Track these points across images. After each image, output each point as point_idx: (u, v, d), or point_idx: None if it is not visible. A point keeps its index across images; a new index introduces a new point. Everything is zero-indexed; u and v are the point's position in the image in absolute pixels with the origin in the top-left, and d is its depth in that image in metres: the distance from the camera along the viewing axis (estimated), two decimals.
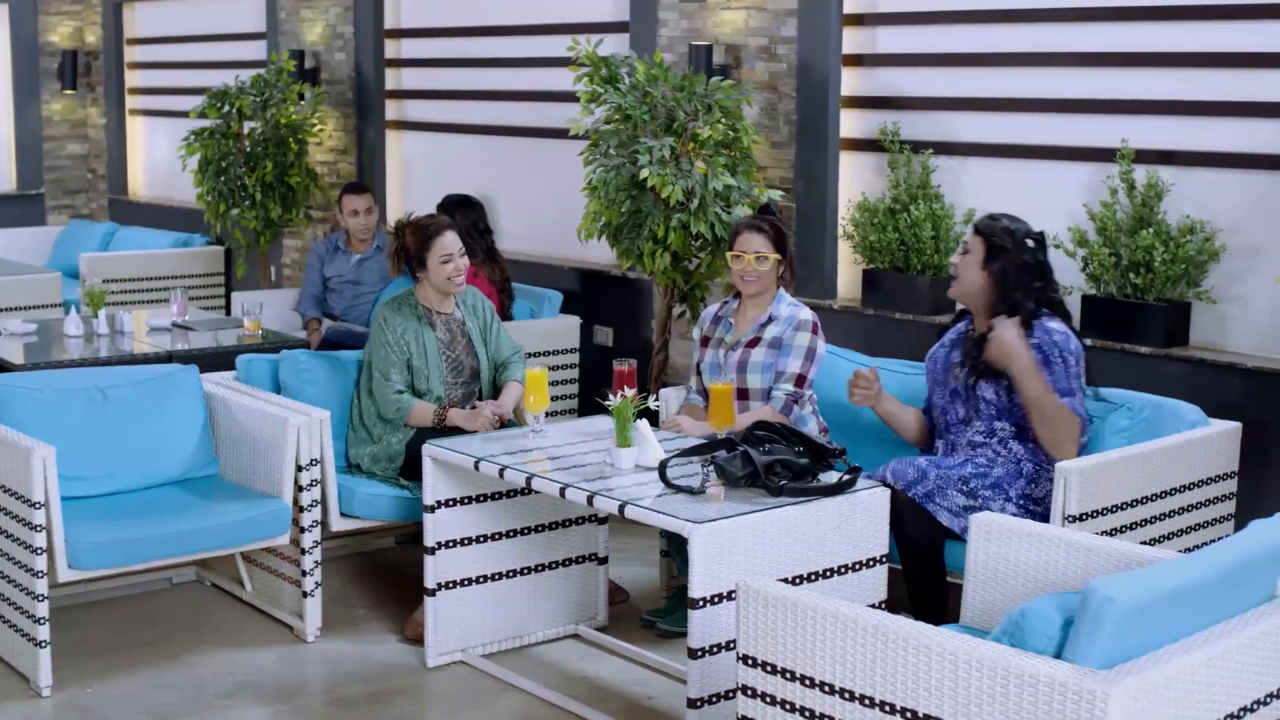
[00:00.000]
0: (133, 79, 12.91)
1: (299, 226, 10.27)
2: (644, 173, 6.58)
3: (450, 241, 5.83)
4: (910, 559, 4.93)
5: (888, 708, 3.38)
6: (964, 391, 5.15)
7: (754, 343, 5.61)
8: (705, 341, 5.79)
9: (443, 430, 5.65)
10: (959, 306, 5.43)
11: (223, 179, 9.83)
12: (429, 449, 5.21)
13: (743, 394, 5.56)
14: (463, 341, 5.90)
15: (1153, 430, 5.27)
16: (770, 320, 5.63)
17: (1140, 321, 5.98)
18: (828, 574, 4.50)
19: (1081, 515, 4.79)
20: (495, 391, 5.97)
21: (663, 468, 4.67)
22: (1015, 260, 5.07)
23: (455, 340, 5.88)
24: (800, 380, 5.52)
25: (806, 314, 5.64)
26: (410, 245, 5.84)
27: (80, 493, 5.46)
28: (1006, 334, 5.00)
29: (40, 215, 13.12)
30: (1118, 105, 6.29)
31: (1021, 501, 4.98)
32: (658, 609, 5.74)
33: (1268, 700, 3.44)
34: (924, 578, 4.95)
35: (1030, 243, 5.10)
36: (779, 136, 7.42)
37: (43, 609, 5.00)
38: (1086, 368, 5.10)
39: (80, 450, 5.50)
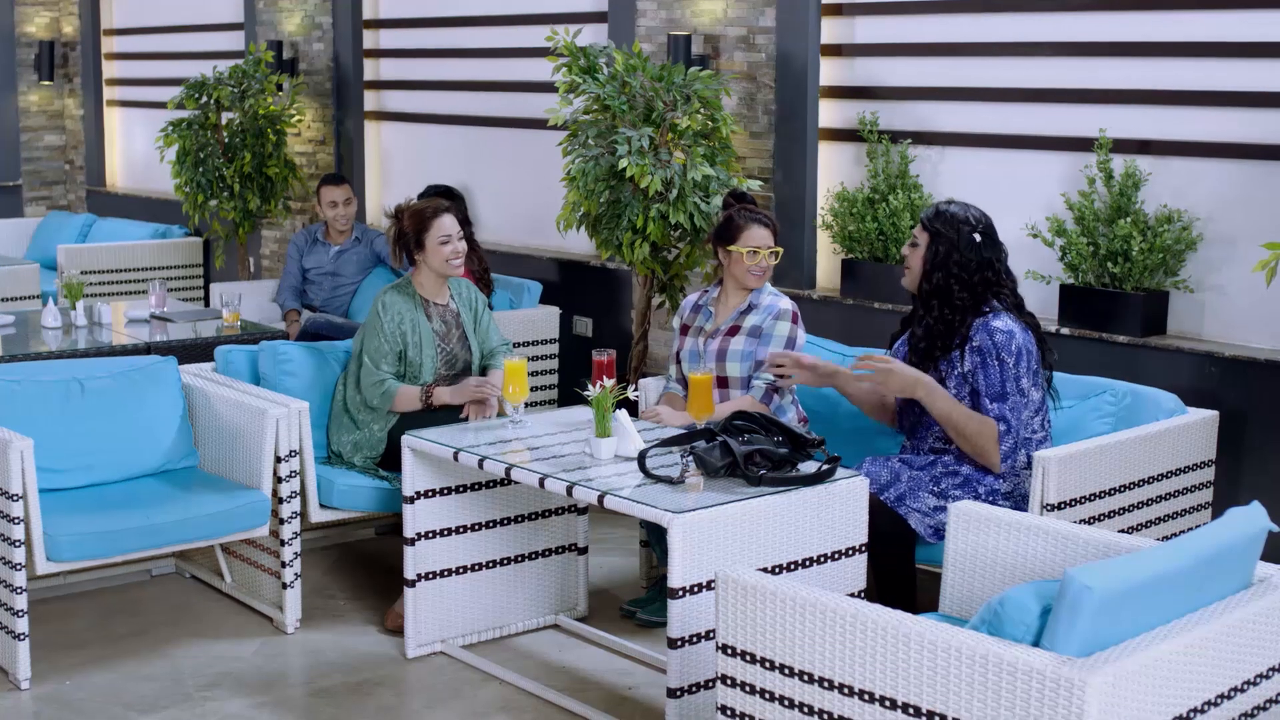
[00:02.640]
0: (110, 70, 12.86)
1: (277, 217, 10.25)
2: (623, 163, 6.58)
3: (449, 223, 5.83)
4: (880, 558, 4.93)
5: (867, 696, 3.39)
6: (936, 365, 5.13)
7: (733, 331, 5.62)
8: (685, 330, 5.79)
9: (428, 414, 5.63)
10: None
11: (201, 170, 9.81)
12: (408, 439, 5.20)
13: (722, 382, 5.57)
14: (457, 333, 5.89)
15: (1131, 419, 5.29)
16: (750, 309, 5.64)
17: (1118, 311, 5.99)
18: (807, 563, 4.51)
19: (1060, 504, 4.81)
20: None
21: (642, 458, 4.67)
22: (956, 254, 5.02)
23: (450, 332, 5.87)
24: None
25: (786, 303, 5.65)
26: (409, 228, 5.83)
27: (58, 485, 5.45)
28: (897, 369, 4.99)
29: (18, 206, 13.07)
30: (1095, 95, 6.30)
31: (991, 498, 4.98)
32: (637, 599, 5.75)
33: (1244, 687, 3.46)
34: (892, 576, 4.95)
35: (977, 237, 5.06)
36: (758, 126, 7.43)
37: (21, 601, 4.98)
38: (1043, 357, 5.06)
39: (58, 442, 5.49)
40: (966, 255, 5.03)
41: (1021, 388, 4.94)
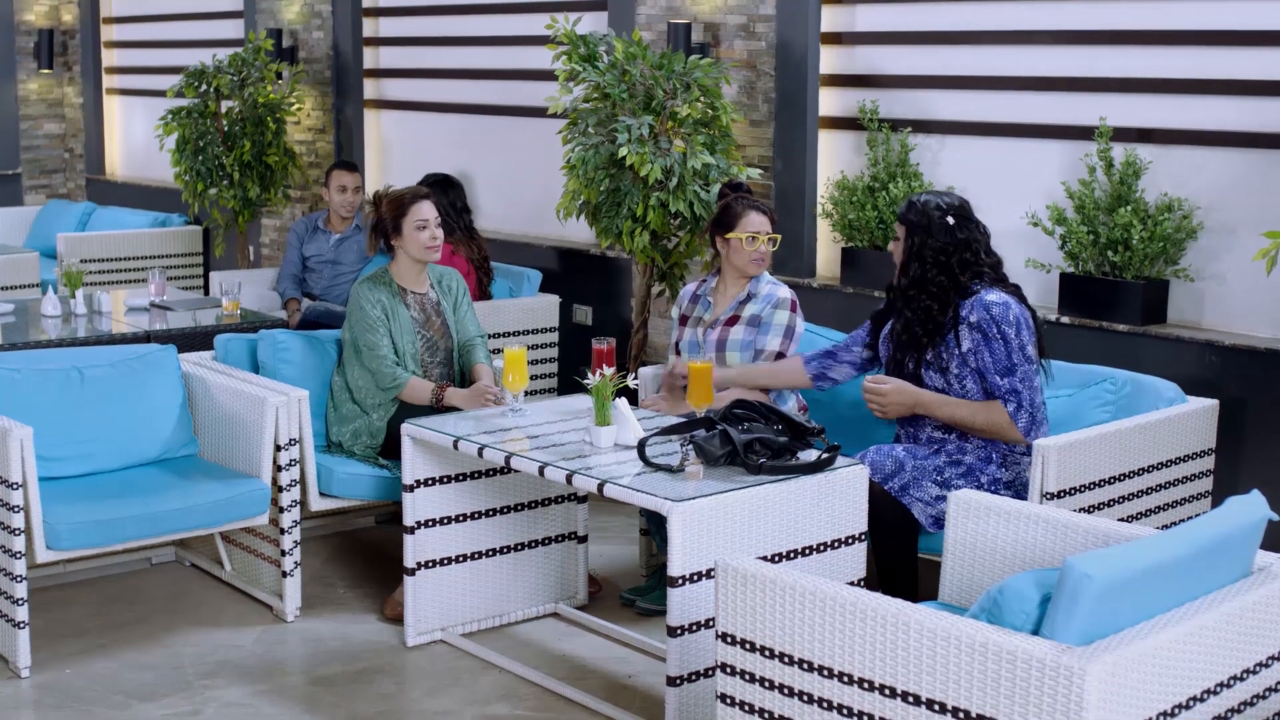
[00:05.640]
0: (109, 58, 12.84)
1: (277, 206, 10.25)
2: (623, 151, 6.57)
3: (426, 208, 5.83)
4: (883, 547, 4.94)
5: (866, 684, 3.39)
6: (913, 382, 5.14)
7: (733, 320, 5.61)
8: (684, 320, 5.79)
9: (430, 409, 5.62)
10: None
11: (200, 158, 9.79)
12: (408, 428, 5.20)
13: None
14: (438, 322, 5.89)
15: (1131, 407, 5.29)
16: (749, 298, 5.63)
17: (1118, 299, 5.99)
18: (806, 552, 4.51)
19: (1059, 492, 4.81)
20: (462, 372, 5.94)
21: (642, 446, 4.67)
22: (931, 239, 5.06)
23: (430, 320, 5.87)
24: (779, 358, 5.53)
25: (785, 292, 5.64)
26: (386, 214, 5.83)
27: (58, 473, 5.45)
28: (892, 399, 5.08)
29: (17, 195, 13.06)
30: (1096, 83, 6.29)
31: (993, 487, 4.98)
32: (637, 587, 5.75)
33: (1244, 676, 3.46)
34: (895, 566, 4.96)
35: (950, 220, 5.07)
36: (758, 115, 7.42)
37: (21, 590, 4.99)
38: (1039, 334, 5.08)
39: (58, 431, 5.49)
40: (942, 240, 5.06)
41: (1029, 355, 4.97)
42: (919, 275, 5.08)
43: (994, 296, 4.99)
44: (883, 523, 4.87)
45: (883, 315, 5.36)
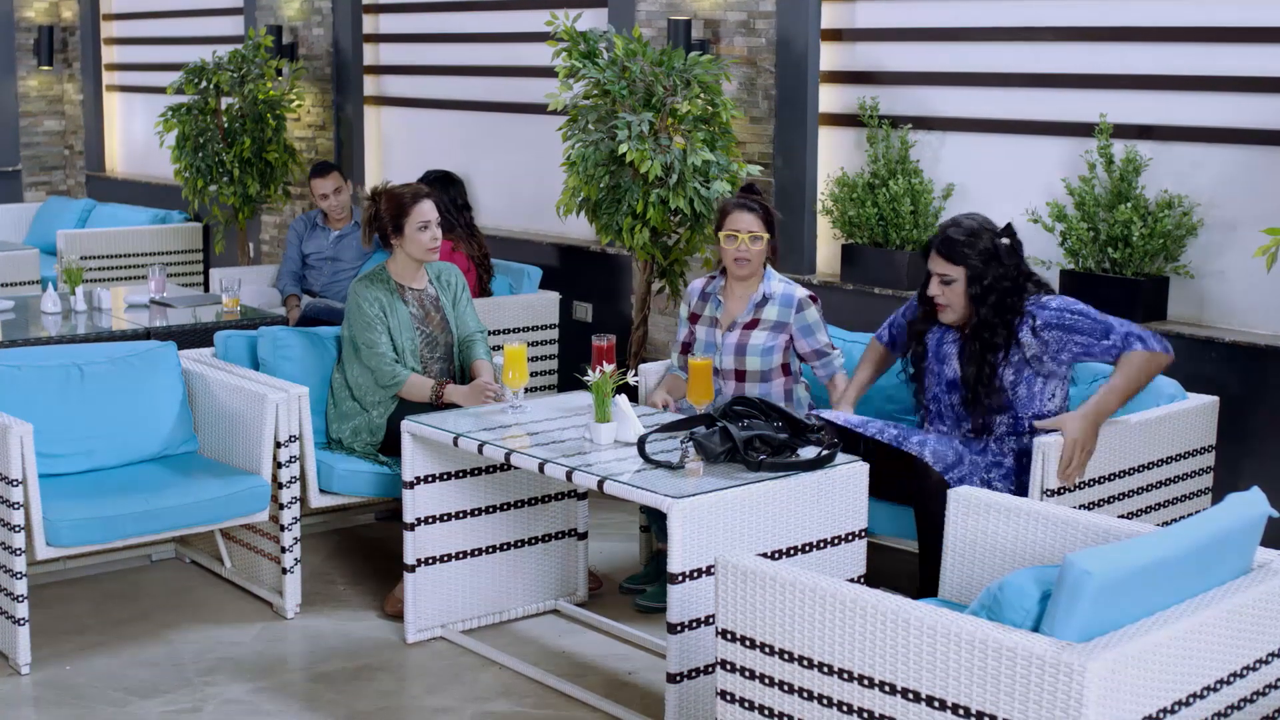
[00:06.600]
0: (109, 55, 12.84)
1: (277, 203, 10.25)
2: (623, 148, 6.57)
3: (428, 209, 5.81)
4: (936, 539, 4.87)
5: (866, 681, 3.39)
6: (1000, 385, 5.06)
7: (753, 324, 5.59)
8: (694, 319, 5.76)
9: (430, 406, 5.62)
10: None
11: (200, 155, 9.79)
12: (408, 424, 5.20)
13: (740, 375, 5.56)
14: (437, 317, 5.88)
15: (1131, 404, 5.27)
16: (765, 300, 5.61)
17: (1118, 296, 5.98)
18: (807, 549, 4.51)
19: (1060, 489, 4.81)
20: (462, 367, 5.94)
21: (641, 443, 4.67)
22: (998, 268, 5.00)
23: (429, 315, 5.86)
24: (831, 348, 5.61)
25: (802, 291, 5.64)
26: (387, 212, 5.80)
27: (58, 470, 5.45)
28: (1073, 433, 4.84)
29: (17, 192, 13.06)
30: (1096, 80, 6.30)
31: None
32: (636, 575, 5.76)
33: (1244, 673, 3.46)
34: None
35: (1005, 241, 5.04)
36: (758, 111, 7.42)
37: (21, 586, 4.99)
38: None
39: (58, 427, 5.49)
40: (1008, 265, 5.02)
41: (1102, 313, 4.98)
42: (996, 304, 5.01)
43: (1045, 297, 5.03)
44: (939, 511, 4.80)
45: (928, 317, 5.28)
